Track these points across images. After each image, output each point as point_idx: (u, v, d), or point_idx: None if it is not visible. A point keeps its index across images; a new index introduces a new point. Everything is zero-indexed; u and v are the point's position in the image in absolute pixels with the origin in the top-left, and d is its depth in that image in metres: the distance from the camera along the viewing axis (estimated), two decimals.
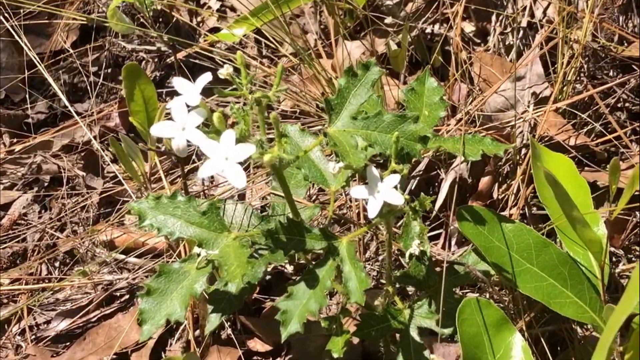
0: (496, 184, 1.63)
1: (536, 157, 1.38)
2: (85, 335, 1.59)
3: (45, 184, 1.93)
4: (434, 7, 1.91)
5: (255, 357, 1.53)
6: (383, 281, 1.54)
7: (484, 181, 1.63)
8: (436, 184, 1.67)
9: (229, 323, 1.55)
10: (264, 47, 2.01)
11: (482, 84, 1.75)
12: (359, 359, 1.47)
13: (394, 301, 1.27)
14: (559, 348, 1.42)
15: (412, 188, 1.64)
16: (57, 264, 1.77)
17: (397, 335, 1.27)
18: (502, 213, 1.53)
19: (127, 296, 1.66)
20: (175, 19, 2.10)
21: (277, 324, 1.06)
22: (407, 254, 1.23)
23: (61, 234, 1.81)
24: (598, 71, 1.73)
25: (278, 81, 1.06)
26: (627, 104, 1.72)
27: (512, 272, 1.25)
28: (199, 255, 1.11)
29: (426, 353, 1.23)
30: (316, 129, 1.77)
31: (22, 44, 1.94)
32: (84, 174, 1.90)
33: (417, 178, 1.65)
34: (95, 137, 1.92)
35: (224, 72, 1.04)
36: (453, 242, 1.57)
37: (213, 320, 1.18)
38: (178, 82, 1.04)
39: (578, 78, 1.71)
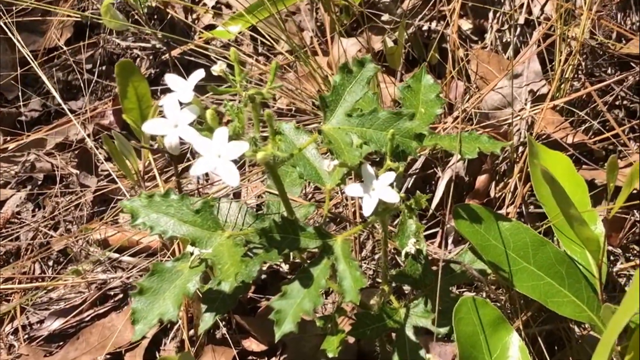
0: (493, 182, 1.62)
1: (533, 155, 1.37)
2: (79, 334, 1.59)
3: (39, 182, 1.92)
4: (430, 4, 1.90)
5: (250, 357, 1.52)
6: (379, 280, 1.53)
7: (481, 179, 1.62)
8: (433, 182, 1.66)
9: (223, 322, 1.54)
10: (260, 45, 2.00)
11: (479, 81, 1.75)
12: (355, 359, 1.47)
13: (389, 300, 1.26)
14: (556, 347, 1.42)
15: (409, 186, 1.64)
16: (50, 263, 1.76)
17: (393, 334, 1.26)
18: (499, 211, 1.51)
19: (120, 295, 1.65)
20: (170, 16, 2.09)
21: (272, 324, 1.05)
22: (403, 253, 1.22)
23: (55, 233, 1.80)
24: (596, 69, 1.73)
25: (272, 78, 1.05)
26: (625, 102, 1.71)
27: (509, 271, 1.25)
28: (192, 254, 1.09)
29: (422, 352, 1.22)
30: (312, 127, 1.75)
31: (16, 41, 1.93)
32: (78, 172, 1.88)
33: (414, 176, 1.64)
34: (89, 135, 1.91)
35: (217, 68, 1.03)
36: (449, 241, 1.56)
37: (207, 320, 1.17)
38: (171, 79, 1.03)
39: (576, 75, 1.70)
